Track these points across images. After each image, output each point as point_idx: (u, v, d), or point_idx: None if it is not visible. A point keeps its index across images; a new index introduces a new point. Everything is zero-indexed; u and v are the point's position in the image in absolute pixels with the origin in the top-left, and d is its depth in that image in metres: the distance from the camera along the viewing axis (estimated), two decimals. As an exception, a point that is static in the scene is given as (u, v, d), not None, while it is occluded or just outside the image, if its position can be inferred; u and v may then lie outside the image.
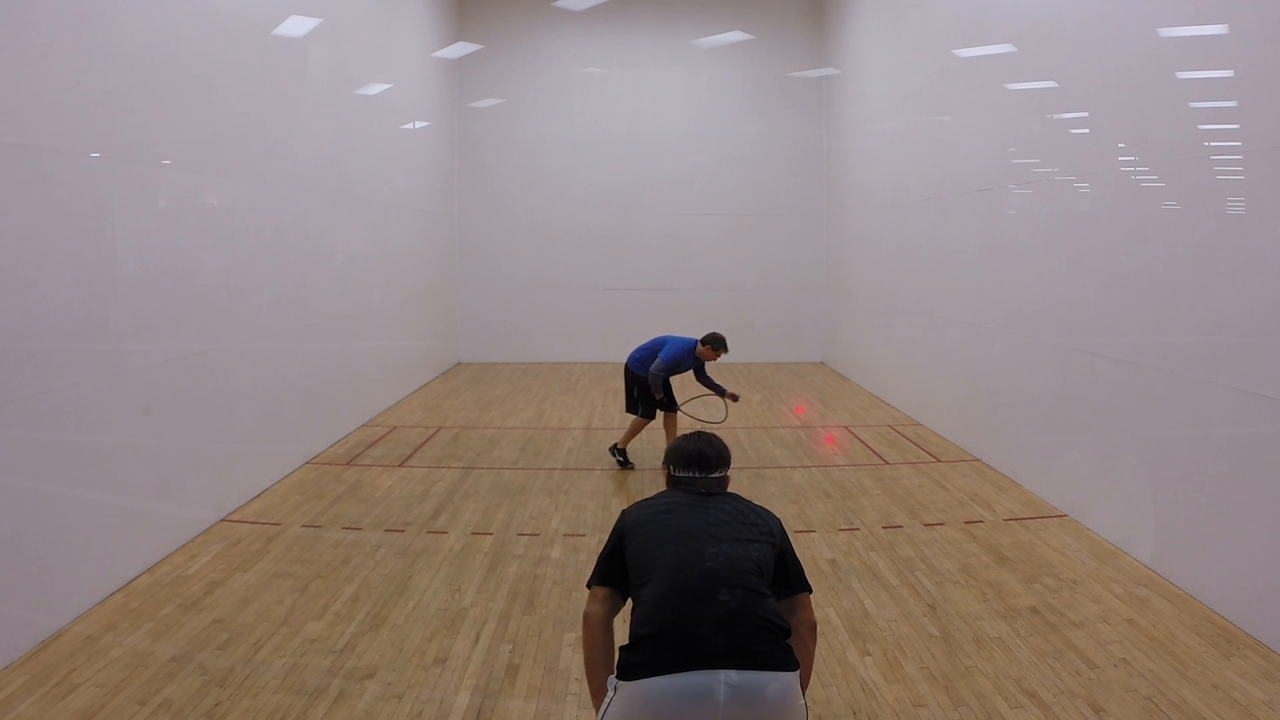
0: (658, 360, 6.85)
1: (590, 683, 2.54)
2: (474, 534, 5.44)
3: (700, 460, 2.75)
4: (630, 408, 7.19)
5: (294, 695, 3.49)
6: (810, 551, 5.13)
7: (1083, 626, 4.11)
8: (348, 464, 7.05)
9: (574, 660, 3.84)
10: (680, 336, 7.12)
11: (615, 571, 2.56)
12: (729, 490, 2.79)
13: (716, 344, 6.91)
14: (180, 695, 3.47)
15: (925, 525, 5.60)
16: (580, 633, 2.71)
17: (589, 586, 2.61)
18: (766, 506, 2.71)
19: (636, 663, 2.28)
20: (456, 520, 5.70)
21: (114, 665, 3.70)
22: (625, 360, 7.21)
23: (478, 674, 3.71)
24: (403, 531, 5.46)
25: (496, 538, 5.38)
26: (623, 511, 2.71)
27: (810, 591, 2.64)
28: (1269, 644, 3.89)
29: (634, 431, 7.13)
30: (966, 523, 5.64)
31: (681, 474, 2.76)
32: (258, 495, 6.11)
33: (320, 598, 4.44)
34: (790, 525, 5.54)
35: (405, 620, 4.21)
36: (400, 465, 7.05)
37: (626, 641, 2.36)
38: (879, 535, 5.42)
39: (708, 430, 2.90)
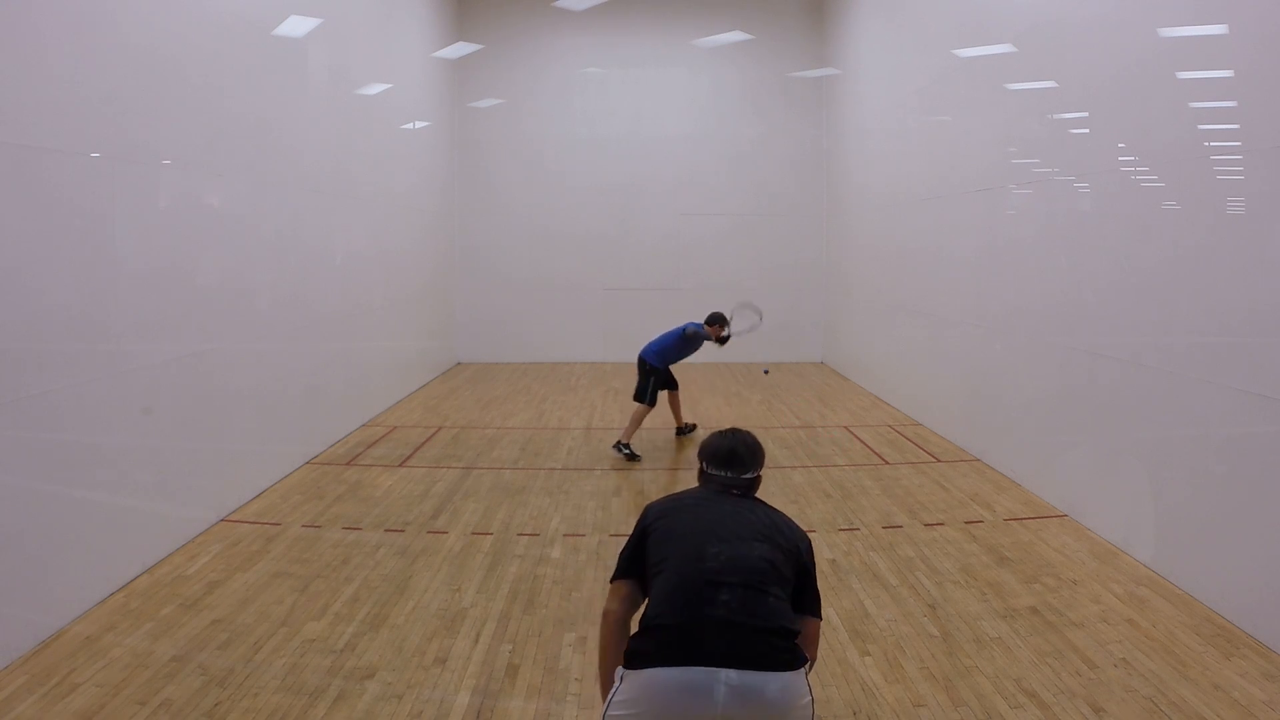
0: (693, 329, 7.46)
1: (600, 677, 2.55)
2: (474, 534, 5.44)
3: (732, 460, 2.73)
4: (639, 395, 7.50)
5: (294, 695, 3.49)
6: (810, 551, 5.13)
7: (1083, 626, 4.12)
8: (348, 464, 7.05)
9: (574, 660, 3.84)
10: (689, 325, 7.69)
11: (637, 566, 2.56)
12: (759, 496, 2.75)
13: (720, 320, 7.64)
14: (180, 695, 3.47)
15: (925, 525, 5.60)
16: (596, 629, 2.75)
17: (612, 581, 2.62)
18: (767, 506, 2.70)
19: (642, 652, 2.31)
20: (456, 520, 5.70)
21: (114, 665, 3.70)
22: (641, 355, 7.61)
23: (478, 674, 3.71)
24: (403, 531, 5.47)
25: (496, 538, 5.38)
26: (647, 505, 2.70)
27: (820, 619, 2.60)
28: (1269, 644, 3.89)
29: (637, 423, 7.42)
30: (966, 523, 5.64)
31: (714, 472, 2.74)
32: (258, 495, 6.11)
33: (320, 598, 4.44)
34: (790, 525, 5.54)
35: (405, 620, 4.21)
36: (400, 465, 7.05)
37: (640, 625, 2.40)
38: (879, 535, 5.42)
39: (741, 426, 2.89)
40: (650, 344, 7.71)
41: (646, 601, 2.47)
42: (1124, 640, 3.98)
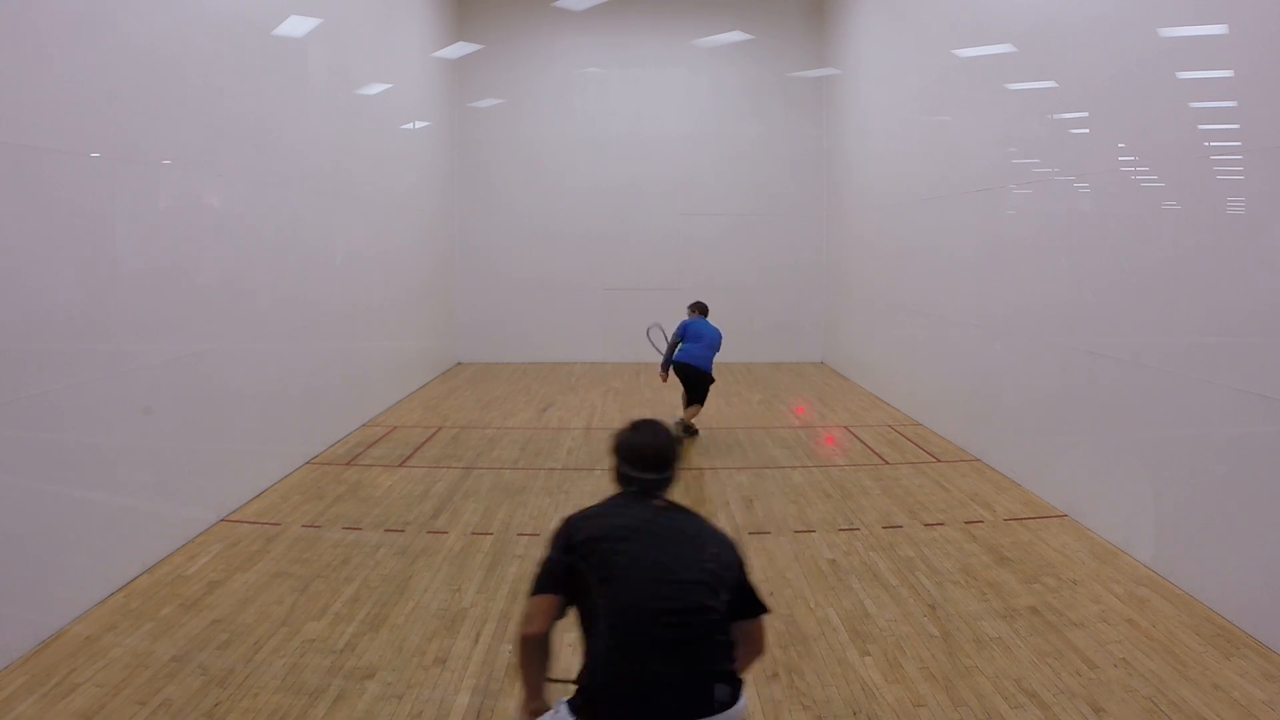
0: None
1: (528, 698, 2.39)
2: (474, 534, 5.44)
3: (659, 460, 2.50)
4: (701, 399, 7.90)
5: (294, 695, 3.49)
6: (810, 552, 5.13)
7: (1083, 626, 4.12)
8: (348, 464, 7.05)
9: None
10: (696, 324, 8.05)
11: (563, 582, 2.34)
12: (675, 499, 2.57)
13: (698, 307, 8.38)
14: (180, 695, 3.47)
15: (925, 525, 5.60)
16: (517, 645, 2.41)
17: (532, 595, 2.36)
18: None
19: (598, 713, 2.19)
20: (456, 520, 5.70)
21: (114, 665, 3.70)
22: (704, 369, 7.84)
23: (478, 674, 3.71)
24: (403, 531, 5.47)
25: (496, 538, 5.38)
26: (567, 520, 2.45)
27: (768, 612, 2.46)
28: (1269, 644, 3.89)
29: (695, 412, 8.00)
30: (966, 523, 5.64)
31: (637, 474, 2.51)
32: (258, 495, 6.11)
33: (320, 598, 4.44)
34: (790, 525, 5.55)
35: (405, 620, 4.21)
36: (400, 465, 7.05)
37: (581, 674, 2.27)
38: (879, 535, 5.42)
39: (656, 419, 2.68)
40: (699, 352, 7.83)
41: (589, 649, 2.30)
42: (1124, 640, 3.98)
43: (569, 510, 2.37)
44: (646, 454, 2.52)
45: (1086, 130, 5.60)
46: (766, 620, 2.47)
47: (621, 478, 2.58)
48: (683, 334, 8.01)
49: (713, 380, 7.98)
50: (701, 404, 7.95)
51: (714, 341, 7.96)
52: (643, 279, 13.03)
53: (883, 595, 4.52)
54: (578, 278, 13.04)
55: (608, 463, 2.63)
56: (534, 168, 12.96)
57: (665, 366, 8.00)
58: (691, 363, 7.84)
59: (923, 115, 8.84)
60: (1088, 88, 5.56)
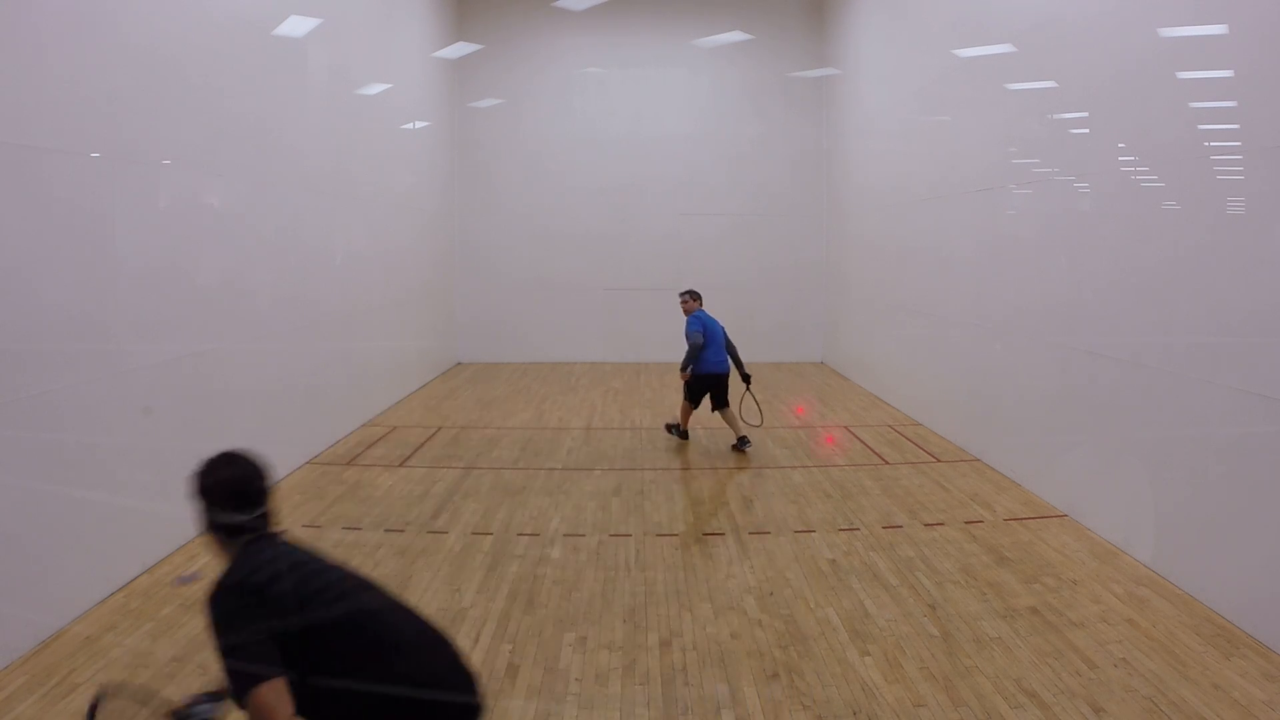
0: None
1: None
2: (474, 534, 5.44)
3: (259, 495, 2.16)
4: (724, 404, 7.63)
5: (294, 695, 3.49)
6: (810, 551, 5.13)
7: (1083, 626, 4.12)
8: (348, 464, 7.05)
9: (574, 660, 3.84)
10: (711, 323, 7.65)
11: (283, 658, 1.97)
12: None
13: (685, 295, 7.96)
14: (180, 695, 3.46)
15: (925, 525, 5.60)
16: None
17: (257, 684, 1.90)
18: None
19: None
20: (456, 520, 5.70)
21: (114, 665, 3.70)
22: (720, 371, 7.57)
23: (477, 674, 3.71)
24: (403, 531, 5.46)
25: (496, 538, 5.38)
26: (244, 592, 2.02)
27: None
28: (1269, 644, 3.89)
29: (733, 420, 7.70)
30: (966, 523, 5.64)
31: (240, 517, 2.12)
32: (258, 495, 6.10)
33: (320, 598, 4.43)
34: (790, 525, 5.55)
35: (405, 620, 4.20)
36: (400, 465, 7.05)
37: None
38: (879, 535, 5.42)
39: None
40: (717, 356, 7.54)
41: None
42: (1124, 640, 3.98)
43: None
44: (242, 491, 2.16)
45: (1086, 130, 5.60)
46: None
47: (219, 528, 2.14)
48: (702, 331, 7.53)
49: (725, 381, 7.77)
50: (724, 409, 7.68)
51: (725, 339, 7.69)
52: (643, 279, 13.02)
53: (883, 595, 4.52)
54: (578, 278, 13.04)
55: (195, 510, 2.19)
56: (534, 168, 12.96)
57: (688, 366, 7.55)
58: (720, 372, 7.57)
59: (923, 115, 8.84)
60: (1088, 88, 5.56)
